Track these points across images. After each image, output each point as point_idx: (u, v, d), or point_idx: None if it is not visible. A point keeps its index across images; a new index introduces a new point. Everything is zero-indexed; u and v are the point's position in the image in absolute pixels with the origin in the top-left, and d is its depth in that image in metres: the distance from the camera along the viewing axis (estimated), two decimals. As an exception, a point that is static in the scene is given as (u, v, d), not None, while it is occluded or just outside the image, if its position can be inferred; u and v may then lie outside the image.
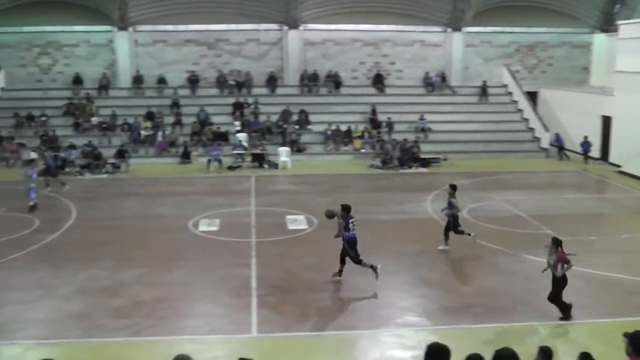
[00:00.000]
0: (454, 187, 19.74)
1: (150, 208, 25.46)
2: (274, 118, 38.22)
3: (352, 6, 41.21)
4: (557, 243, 14.31)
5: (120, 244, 20.57)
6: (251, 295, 15.79)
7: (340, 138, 37.00)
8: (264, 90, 40.87)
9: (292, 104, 39.08)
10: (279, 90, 40.98)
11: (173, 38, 41.26)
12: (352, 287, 16.51)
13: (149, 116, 37.94)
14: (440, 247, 19.62)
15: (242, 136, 35.73)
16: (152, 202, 26.43)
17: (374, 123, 38.30)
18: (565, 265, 14.08)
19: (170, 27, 41.04)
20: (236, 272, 17.50)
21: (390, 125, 37.86)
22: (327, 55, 41.93)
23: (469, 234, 19.73)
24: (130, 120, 37.60)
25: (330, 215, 17.17)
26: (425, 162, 33.88)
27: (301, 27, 41.20)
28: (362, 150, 36.68)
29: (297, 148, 36.01)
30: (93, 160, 33.12)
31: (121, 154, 33.85)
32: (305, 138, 37.38)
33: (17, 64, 41.18)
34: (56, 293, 16.47)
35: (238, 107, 38.94)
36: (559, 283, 14.25)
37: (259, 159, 33.81)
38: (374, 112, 38.80)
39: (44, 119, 38.16)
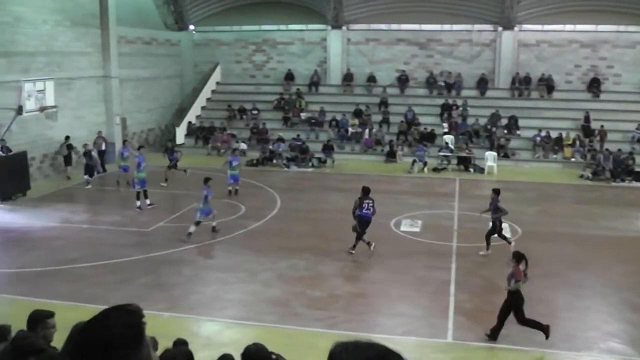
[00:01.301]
0: (497, 192, 19.56)
1: (353, 204, 25.68)
2: (483, 121, 37.43)
3: (571, 5, 38.83)
4: (517, 257, 13.44)
5: (321, 236, 20.98)
6: (449, 300, 15.53)
7: (550, 145, 35.53)
8: (474, 93, 40.12)
9: (501, 107, 38.04)
10: (489, 93, 40.02)
11: (385, 37, 41.49)
12: (553, 303, 15.74)
13: (357, 113, 38.44)
14: (482, 253, 19.15)
15: (448, 138, 35.33)
16: (355, 198, 26.58)
17: (587, 131, 36.33)
18: (518, 282, 13.14)
19: (383, 26, 41.32)
20: (435, 275, 17.29)
21: (603, 134, 35.77)
22: (541, 58, 40.14)
23: (510, 243, 18.95)
24: (339, 116, 38.32)
25: None
26: (640, 176, 31.65)
27: (516, 28, 39.78)
28: (572, 160, 34.92)
29: (504, 153, 35.01)
30: (300, 154, 34.07)
31: (327, 149, 34.53)
32: (513, 143, 36.26)
33: (233, 60, 43.52)
34: (257, 278, 17.12)
35: (446, 108, 38.52)
36: (513, 299, 13.22)
37: (465, 163, 33.24)
38: (587, 119, 36.71)
39: (255, 112, 39.97)
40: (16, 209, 24.66)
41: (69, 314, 13.27)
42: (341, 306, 15.29)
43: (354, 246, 19.03)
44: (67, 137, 30.35)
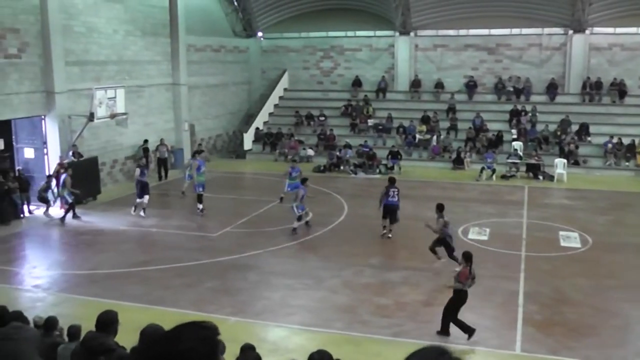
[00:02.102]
0: (440, 208, 19.01)
1: (420, 211, 25.46)
2: (552, 127, 36.71)
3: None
4: (466, 257, 14.07)
5: (388, 243, 20.95)
6: (517, 311, 15.29)
7: (622, 152, 34.62)
8: (543, 98, 39.33)
9: (571, 113, 37.23)
10: (559, 99, 39.17)
11: (453, 43, 41.12)
12: (628, 316, 15.33)
13: (425, 120, 38.20)
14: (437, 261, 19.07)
15: (517, 145, 34.81)
16: (422, 205, 26.46)
17: (660, 137, 35.28)
18: (455, 282, 13.85)
19: (451, 32, 40.96)
20: (503, 285, 17.06)
21: (677, 140, 34.53)
22: (613, 62, 38.89)
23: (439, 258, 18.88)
24: (406, 123, 38.14)
25: None
26: None
27: (587, 31, 38.75)
28: (645, 167, 33.97)
29: (575, 160, 34.27)
30: (367, 160, 34.01)
31: (394, 155, 34.39)
32: (583, 150, 35.46)
33: (301, 67, 43.84)
34: (323, 284, 17.15)
35: (515, 114, 37.94)
36: (455, 297, 13.89)
37: (534, 170, 32.63)
38: (661, 125, 35.71)
39: (322, 118, 40.13)
40: (87, 212, 25.23)
41: (139, 316, 13.63)
42: (408, 314, 15.22)
43: (390, 230, 21.60)
44: (146, 141, 31.58)
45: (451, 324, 13.98)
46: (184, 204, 27.08)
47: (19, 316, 7.42)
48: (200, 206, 24.93)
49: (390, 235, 21.45)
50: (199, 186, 25.01)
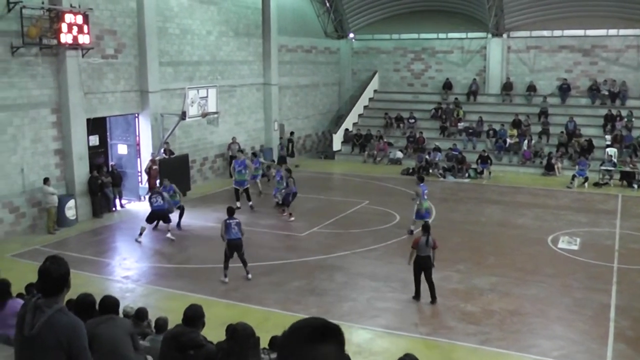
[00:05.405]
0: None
1: (510, 217, 25.22)
2: (649, 134, 35.52)
3: None
4: (423, 228, 16.31)
5: (476, 249, 20.70)
6: (608, 325, 14.85)
7: None
8: (640, 103, 38.14)
9: (670, 118, 35.93)
10: (657, 104, 37.86)
11: (547, 44, 40.23)
12: None
13: (516, 124, 37.56)
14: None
15: (612, 151, 33.79)
16: (511, 211, 26.16)
17: None
18: (412, 249, 16.14)
19: (545, 33, 40.05)
20: (594, 297, 16.63)
21: None
22: None
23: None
24: (497, 127, 37.61)
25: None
26: None
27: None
28: None
29: (673, 168, 33.06)
30: (456, 164, 33.69)
31: (484, 159, 33.93)
32: (682, 158, 34.13)
33: (392, 69, 43.81)
34: (410, 288, 17.02)
35: (610, 119, 36.86)
36: (415, 262, 16.12)
37: (628, 178, 31.55)
38: None
39: (412, 121, 40.00)
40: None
41: (224, 312, 13.91)
42: (495, 322, 15.02)
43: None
44: (292, 133, 35.10)
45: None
46: (273, 202, 27.28)
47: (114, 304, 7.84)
48: (248, 202, 26.11)
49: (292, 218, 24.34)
50: (238, 183, 26.25)
